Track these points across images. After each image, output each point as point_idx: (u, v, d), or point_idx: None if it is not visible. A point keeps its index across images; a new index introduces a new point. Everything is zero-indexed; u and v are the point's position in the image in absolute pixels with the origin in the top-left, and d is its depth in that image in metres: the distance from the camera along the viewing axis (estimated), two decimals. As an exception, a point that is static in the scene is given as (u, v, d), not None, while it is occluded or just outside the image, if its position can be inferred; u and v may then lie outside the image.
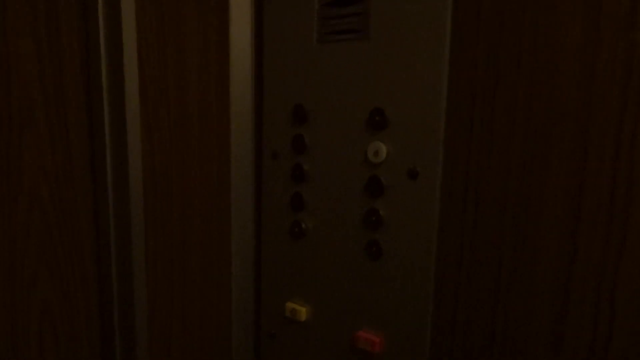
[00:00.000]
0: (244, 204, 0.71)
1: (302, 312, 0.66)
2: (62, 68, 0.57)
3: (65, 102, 0.58)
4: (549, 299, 0.46)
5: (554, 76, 0.44)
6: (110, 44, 0.56)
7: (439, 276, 0.53)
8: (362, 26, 0.55)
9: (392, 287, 0.56)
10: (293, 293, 0.67)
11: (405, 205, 0.54)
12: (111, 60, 0.56)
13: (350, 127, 0.57)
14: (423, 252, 0.53)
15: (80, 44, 0.57)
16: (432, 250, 0.53)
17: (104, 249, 0.62)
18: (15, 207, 0.55)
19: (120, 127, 0.58)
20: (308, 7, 0.59)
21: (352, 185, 0.58)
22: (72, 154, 0.59)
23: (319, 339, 0.65)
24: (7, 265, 0.55)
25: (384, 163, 0.55)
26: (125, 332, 0.63)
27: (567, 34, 0.43)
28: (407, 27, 0.52)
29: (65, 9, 0.56)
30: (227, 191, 0.69)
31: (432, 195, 0.52)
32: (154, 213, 0.62)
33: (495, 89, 0.47)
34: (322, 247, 0.63)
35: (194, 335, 0.69)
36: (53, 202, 0.59)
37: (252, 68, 0.66)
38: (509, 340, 0.49)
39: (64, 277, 0.61)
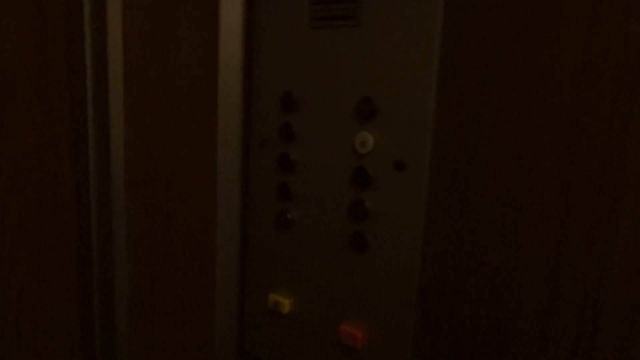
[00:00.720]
0: (230, 192, 0.69)
1: (286, 304, 0.64)
2: (45, 45, 0.55)
3: (48, 79, 0.56)
4: (536, 293, 0.44)
5: (547, 68, 0.42)
6: (95, 20, 0.54)
7: (424, 270, 0.52)
8: (353, 12, 0.53)
9: (375, 280, 0.55)
10: (277, 284, 0.66)
11: (391, 197, 0.53)
12: (95, 37, 0.55)
13: (338, 116, 0.56)
14: (408, 245, 0.52)
15: (64, 20, 0.56)
16: (417, 244, 0.51)
17: (85, 231, 0.61)
18: (-7, 185, 0.54)
19: (103, 107, 0.57)
20: (300, -8, 0.58)
21: (339, 175, 0.57)
22: (53, 133, 0.58)
23: (302, 331, 0.64)
24: (-17, 244, 0.54)
25: (370, 154, 0.54)
26: (105, 317, 0.62)
27: (562, 26, 0.41)
28: (399, 15, 0.50)
29: (50, -15, 0.54)
30: (213, 179, 0.68)
31: (419, 188, 0.50)
32: (137, 197, 0.61)
33: (486, 80, 0.46)
34: (308, 238, 0.61)
35: (177, 325, 0.68)
36: (33, 182, 0.57)
37: (242, 53, 0.65)
38: (493, 336, 0.47)
39: (44, 258, 0.60)
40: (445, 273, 0.50)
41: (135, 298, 0.63)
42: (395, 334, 0.54)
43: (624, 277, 0.40)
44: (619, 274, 0.40)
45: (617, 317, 0.40)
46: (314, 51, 0.58)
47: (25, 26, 0.53)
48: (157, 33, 0.59)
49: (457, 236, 0.49)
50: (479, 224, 0.47)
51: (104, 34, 0.54)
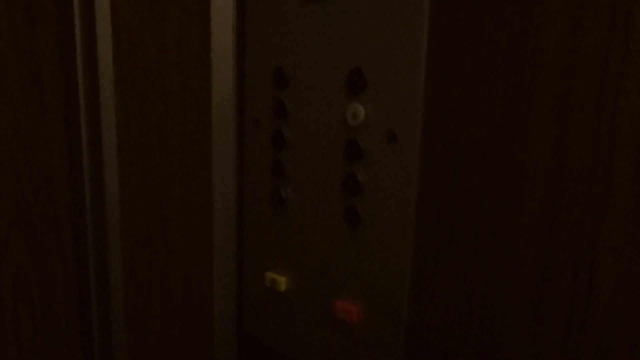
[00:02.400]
0: (225, 172, 0.69)
1: (282, 282, 0.64)
2: (35, 25, 0.55)
3: (39, 60, 0.56)
4: (529, 264, 0.44)
5: (538, 33, 0.41)
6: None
7: (418, 242, 0.51)
8: (341, -17, 0.53)
9: (370, 255, 0.55)
10: (273, 263, 0.66)
11: (383, 169, 0.52)
12: (84, 15, 0.54)
13: (329, 90, 0.55)
14: (401, 217, 0.51)
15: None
16: (410, 216, 0.51)
17: (80, 213, 0.61)
18: (-16, 167, 0.54)
19: (94, 85, 0.56)
20: (288, -35, 0.57)
21: (331, 150, 0.56)
22: (46, 115, 0.58)
23: (298, 309, 0.64)
24: (-25, 227, 0.54)
25: (362, 126, 0.53)
26: (102, 299, 0.62)
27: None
28: (388, -17, 0.49)
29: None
30: (208, 158, 0.68)
31: (411, 159, 0.50)
32: (130, 177, 0.61)
33: (477, 47, 0.45)
34: (302, 215, 0.61)
35: (174, 307, 0.68)
36: (27, 165, 0.57)
37: (234, 29, 0.64)
38: (487, 310, 0.47)
39: (39, 243, 0.59)
40: (439, 244, 0.50)
41: (131, 279, 0.63)
42: (390, 309, 0.54)
43: (617, 248, 0.39)
44: (612, 245, 0.39)
45: (610, 289, 0.39)
46: (304, 25, 0.57)
47: (16, 6, 0.53)
48: (147, 6, 0.58)
49: (450, 206, 0.48)
50: (471, 192, 0.47)
51: (92, 11, 0.54)
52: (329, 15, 0.54)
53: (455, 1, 0.46)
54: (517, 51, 0.43)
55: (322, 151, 0.57)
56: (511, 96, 0.43)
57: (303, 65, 0.58)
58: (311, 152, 0.59)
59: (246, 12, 0.63)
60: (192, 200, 0.67)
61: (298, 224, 0.62)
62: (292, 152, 0.61)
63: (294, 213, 0.62)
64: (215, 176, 0.68)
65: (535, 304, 0.44)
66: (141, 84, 0.60)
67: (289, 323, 0.65)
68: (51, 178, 0.59)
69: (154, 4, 0.59)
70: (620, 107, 0.38)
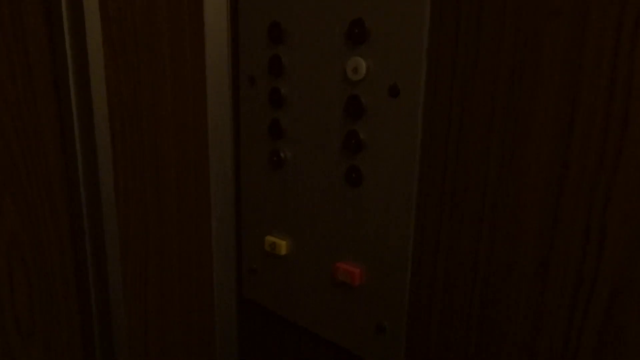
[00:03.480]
0: (221, 133, 0.67)
1: (282, 245, 0.63)
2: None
3: (24, 26, 0.53)
4: (537, 220, 0.42)
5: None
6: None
7: (421, 202, 0.49)
8: None
9: (372, 215, 0.53)
10: (273, 226, 0.64)
11: (386, 126, 0.50)
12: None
13: (328, 43, 0.53)
14: (404, 176, 0.50)
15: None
16: (414, 174, 0.49)
17: (73, 178, 0.59)
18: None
19: (82, 49, 0.54)
20: None
21: (331, 107, 0.54)
22: (33, 79, 0.55)
23: (300, 273, 0.62)
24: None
25: (363, 81, 0.50)
26: (98, 264, 0.61)
27: None
28: None
29: None
30: (203, 120, 0.65)
31: (415, 114, 0.47)
32: (123, 140, 0.59)
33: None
34: (302, 176, 0.59)
35: (173, 272, 0.67)
36: (16, 130, 0.55)
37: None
38: (492, 267, 0.46)
39: (32, 208, 0.58)
40: (443, 202, 0.48)
41: (127, 244, 0.62)
42: (393, 270, 0.52)
43: (631, 200, 0.37)
44: (626, 197, 0.37)
45: (623, 243, 0.38)
46: (300, -25, 0.54)
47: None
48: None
49: (454, 162, 0.46)
50: (476, 147, 0.45)
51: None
52: (328, -37, 0.51)
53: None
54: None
55: (321, 109, 0.55)
56: (519, 46, 0.41)
57: (300, 18, 0.55)
58: (310, 111, 0.56)
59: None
60: (188, 164, 0.65)
61: (298, 186, 0.60)
62: (290, 110, 0.58)
63: (293, 174, 0.60)
64: (211, 138, 0.66)
65: (544, 257, 0.42)
66: (131, 43, 0.57)
67: (289, 287, 0.64)
68: (42, 144, 0.57)
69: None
70: (637, 56, 0.35)
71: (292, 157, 0.60)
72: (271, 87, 0.59)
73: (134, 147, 0.60)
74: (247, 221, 0.68)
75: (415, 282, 0.51)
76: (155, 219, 0.64)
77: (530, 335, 0.44)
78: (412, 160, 0.49)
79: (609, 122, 0.37)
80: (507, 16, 0.41)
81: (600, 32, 0.37)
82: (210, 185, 0.68)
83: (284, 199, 0.62)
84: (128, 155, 0.59)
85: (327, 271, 0.59)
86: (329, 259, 0.59)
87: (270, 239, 0.64)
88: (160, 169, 0.63)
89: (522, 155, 0.42)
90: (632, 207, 0.37)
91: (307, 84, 0.56)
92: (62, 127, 0.58)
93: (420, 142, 0.48)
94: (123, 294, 0.62)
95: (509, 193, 0.43)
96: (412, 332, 0.53)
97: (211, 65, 0.64)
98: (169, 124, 0.62)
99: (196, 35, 0.62)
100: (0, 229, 0.56)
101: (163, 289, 0.66)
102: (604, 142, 0.38)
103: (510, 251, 0.44)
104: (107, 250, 0.58)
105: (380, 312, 0.55)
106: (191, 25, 0.61)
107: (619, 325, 0.39)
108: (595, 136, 0.38)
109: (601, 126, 0.37)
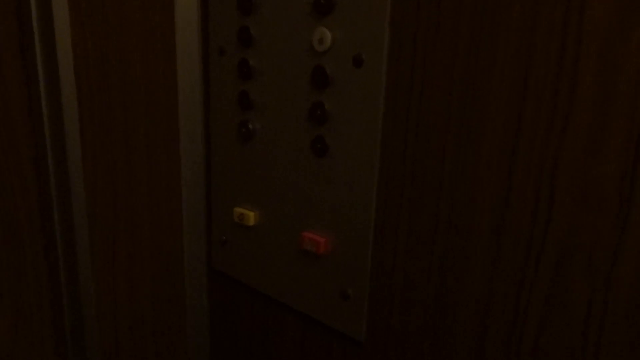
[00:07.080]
0: (191, 104, 0.67)
1: (251, 216, 0.64)
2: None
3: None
4: (492, 185, 0.44)
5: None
6: None
7: (384, 171, 0.51)
8: None
9: (337, 185, 0.54)
10: (242, 197, 0.65)
11: (350, 96, 0.51)
12: None
13: (296, 14, 0.53)
14: (368, 146, 0.51)
15: None
16: (376, 144, 0.50)
17: (40, 143, 0.59)
18: None
19: (48, 13, 0.54)
20: None
21: (298, 78, 0.55)
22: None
23: (268, 243, 0.63)
24: None
25: (329, 51, 0.51)
26: (66, 232, 0.61)
27: None
28: None
29: None
30: (174, 90, 0.66)
31: (377, 84, 0.48)
32: (92, 109, 0.59)
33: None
34: (270, 147, 0.60)
35: (142, 241, 0.68)
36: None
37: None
38: (451, 234, 0.47)
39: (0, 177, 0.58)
40: (404, 172, 0.49)
41: (96, 214, 0.62)
42: (356, 238, 0.54)
43: (579, 162, 0.39)
44: (573, 159, 0.39)
45: (572, 204, 0.40)
46: (269, -55, 0.54)
47: None
48: None
49: (414, 132, 0.48)
50: (438, 115, 0.46)
51: None
52: None
53: None
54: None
55: (289, 80, 0.56)
56: (478, 14, 0.42)
57: (269, -12, 0.55)
58: (278, 82, 0.57)
59: None
60: (158, 134, 0.65)
61: (266, 157, 0.61)
62: (258, 82, 0.59)
63: (262, 146, 0.61)
64: (181, 109, 0.67)
65: (498, 222, 0.44)
66: (99, 10, 0.57)
67: (258, 257, 0.65)
68: (9, 111, 0.57)
69: None
70: (586, 18, 0.37)
71: (260, 129, 0.60)
72: (240, 58, 0.60)
73: (102, 111, 0.60)
74: (216, 192, 0.69)
75: (378, 250, 0.53)
76: (125, 187, 0.64)
77: (485, 296, 0.46)
78: (374, 130, 0.50)
79: (559, 87, 0.39)
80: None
81: (550, 10, 0.38)
82: (180, 156, 0.68)
83: (252, 169, 0.63)
84: (96, 122, 0.59)
85: (294, 241, 0.60)
86: (295, 229, 0.60)
87: (238, 210, 0.65)
88: (130, 137, 0.63)
89: (479, 123, 0.43)
90: (578, 174, 0.39)
91: (275, 55, 0.56)
92: (29, 90, 0.58)
93: (382, 112, 0.49)
94: (91, 261, 0.62)
95: (467, 160, 0.45)
96: (375, 298, 0.54)
97: (181, 35, 0.64)
98: (138, 92, 0.62)
99: (166, 4, 0.62)
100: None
101: (132, 258, 0.67)
102: (554, 107, 0.39)
103: (468, 217, 0.46)
104: (75, 217, 0.59)
105: (345, 280, 0.56)
106: (161, -5, 0.61)
107: (565, 285, 0.41)
108: (545, 102, 0.39)
109: (551, 90, 0.39)
